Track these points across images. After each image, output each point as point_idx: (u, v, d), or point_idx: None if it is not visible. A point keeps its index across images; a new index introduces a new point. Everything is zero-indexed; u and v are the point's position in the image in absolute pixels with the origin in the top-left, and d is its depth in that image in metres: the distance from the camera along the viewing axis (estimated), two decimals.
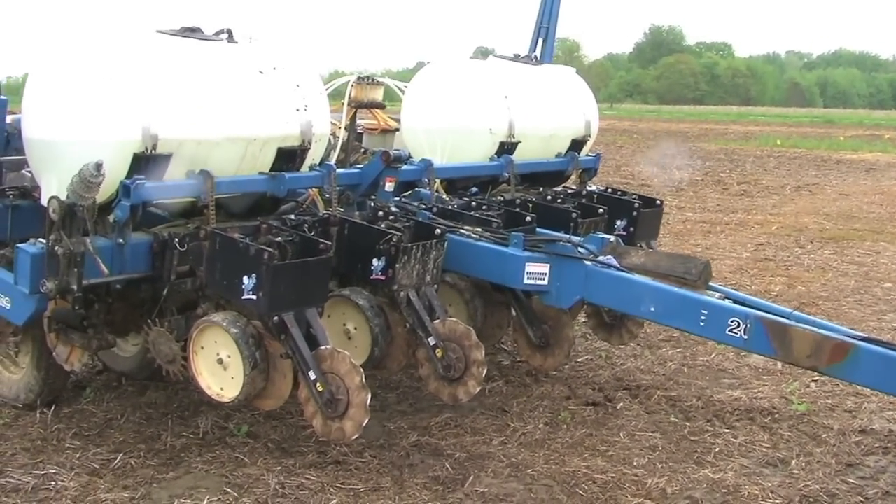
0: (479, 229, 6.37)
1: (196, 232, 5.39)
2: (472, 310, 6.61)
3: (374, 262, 5.76)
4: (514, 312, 6.87)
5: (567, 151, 8.49)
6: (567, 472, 5.92)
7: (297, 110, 5.98)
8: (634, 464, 6.10)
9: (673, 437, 6.58)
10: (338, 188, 6.17)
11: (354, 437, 5.17)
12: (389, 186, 6.47)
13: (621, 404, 7.13)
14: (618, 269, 6.01)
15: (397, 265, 5.72)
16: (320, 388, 5.10)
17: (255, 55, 6.00)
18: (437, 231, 5.98)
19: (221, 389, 5.33)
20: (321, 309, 5.35)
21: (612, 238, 6.42)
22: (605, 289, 6.00)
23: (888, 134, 47.39)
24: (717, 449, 6.39)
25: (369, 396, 5.06)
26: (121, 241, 5.33)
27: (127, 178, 5.26)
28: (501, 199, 7.46)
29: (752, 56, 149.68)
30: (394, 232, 5.73)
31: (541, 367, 6.94)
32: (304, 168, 6.17)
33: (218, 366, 5.28)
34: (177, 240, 5.40)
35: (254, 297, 5.07)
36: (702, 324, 5.72)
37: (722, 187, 23.16)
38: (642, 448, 6.37)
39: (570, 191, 8.27)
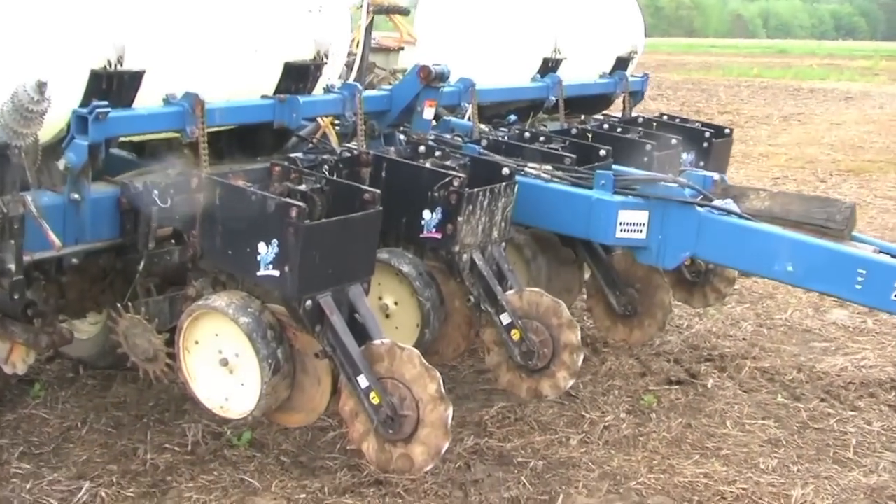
0: (549, 167, 4.83)
1: (184, 181, 3.80)
2: (534, 271, 5.11)
3: (426, 214, 4.22)
4: (589, 273, 5.36)
5: (613, 70, 6.92)
6: (683, 485, 4.52)
7: (310, 12, 4.40)
8: (762, 467, 4.73)
9: (791, 425, 5.24)
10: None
11: (428, 468, 3.66)
12: (429, 112, 4.94)
13: (711, 381, 5.75)
14: (739, 216, 4.52)
15: (459, 218, 4.18)
16: (375, 401, 3.59)
17: None
18: (506, 171, 4.43)
19: (226, 401, 3.82)
20: (368, 285, 3.80)
21: (717, 176, 4.93)
22: (725, 242, 4.55)
23: (847, 63, 46.48)
24: (854, 441, 5.07)
25: (451, 412, 3.54)
26: (76, 196, 3.80)
27: (82, 105, 3.71)
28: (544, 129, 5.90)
29: None
30: (454, 173, 4.18)
31: (625, 342, 5.47)
32: (318, 90, 4.56)
33: (221, 369, 3.78)
34: (156, 192, 3.82)
35: (275, 272, 3.54)
36: (858, 287, 4.33)
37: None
38: (762, 443, 4.99)
39: (617, 119, 6.72)
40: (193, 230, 3.82)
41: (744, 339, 6.54)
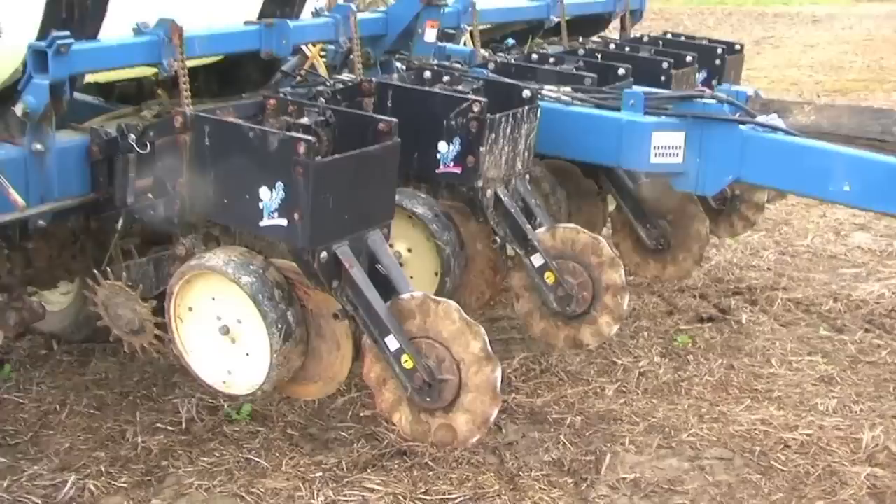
0: (568, 89, 4.29)
1: (167, 121, 3.23)
2: (553, 205, 4.57)
3: (442, 146, 3.68)
4: (613, 205, 4.85)
5: None
6: (741, 434, 4.07)
7: None
8: (821, 409, 4.30)
9: (841, 360, 4.82)
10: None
11: (474, 440, 3.15)
12: (430, 34, 4.39)
13: (744, 316, 5.31)
14: (787, 132, 4.01)
15: (481, 148, 3.64)
16: (408, 364, 3.07)
17: None
18: (527, 93, 3.89)
19: (230, 375, 3.29)
20: (388, 230, 3.27)
21: (752, 90, 4.42)
22: (773, 163, 4.04)
23: None
24: None
25: (499, 373, 3.03)
26: (39, 147, 3.26)
27: (40, 38, 3.15)
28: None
29: None
30: (474, 97, 3.64)
31: (657, 279, 4.97)
32: (306, 14, 4.00)
33: (222, 338, 3.25)
34: (132, 136, 3.25)
35: (282, 221, 3.00)
36: None
37: None
38: (815, 382, 4.57)
39: (623, 40, 6.19)
40: (180, 178, 3.26)
41: (768, 268, 6.09)
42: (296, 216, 3.00)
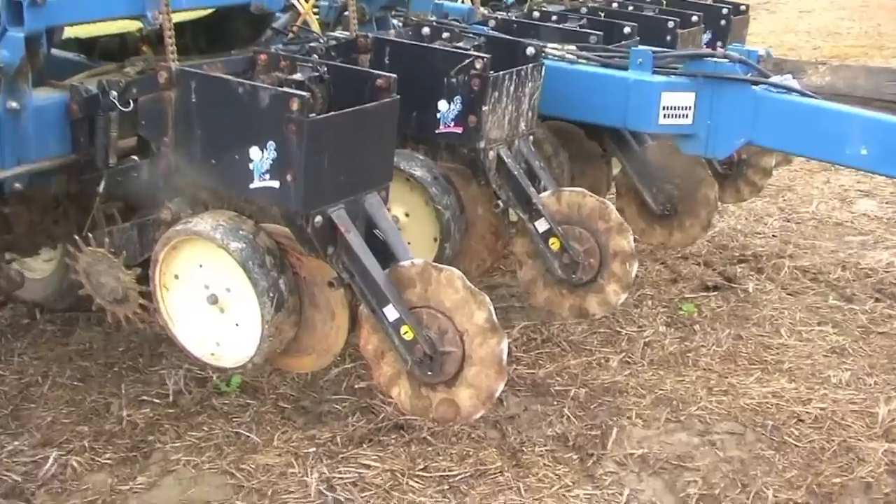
0: (573, 47, 4.10)
1: (151, 77, 3.03)
2: (555, 168, 4.38)
3: (443, 105, 3.49)
4: (618, 168, 4.67)
5: None
6: (752, 408, 3.92)
7: None
8: (834, 381, 4.14)
9: (852, 330, 4.67)
10: None
11: (478, 415, 2.98)
12: None
13: (751, 285, 5.15)
14: (802, 94, 3.82)
15: (484, 107, 3.45)
16: (408, 336, 2.89)
17: None
18: (531, 50, 3.70)
19: (218, 346, 3.11)
20: (387, 192, 3.08)
21: (763, 50, 4.23)
22: (788, 125, 3.86)
23: None
24: None
25: (505, 345, 2.85)
26: (14, 105, 3.05)
27: None
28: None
29: None
30: (476, 54, 3.44)
31: (663, 245, 4.79)
32: None
33: (210, 307, 3.06)
34: (114, 93, 3.05)
35: (274, 183, 2.81)
36: None
37: None
38: (826, 353, 4.41)
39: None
40: (165, 138, 3.06)
41: (773, 235, 5.92)
42: (288, 178, 2.81)
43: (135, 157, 3.28)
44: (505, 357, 2.86)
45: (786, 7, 21.25)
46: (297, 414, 3.87)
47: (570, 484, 3.41)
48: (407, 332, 2.91)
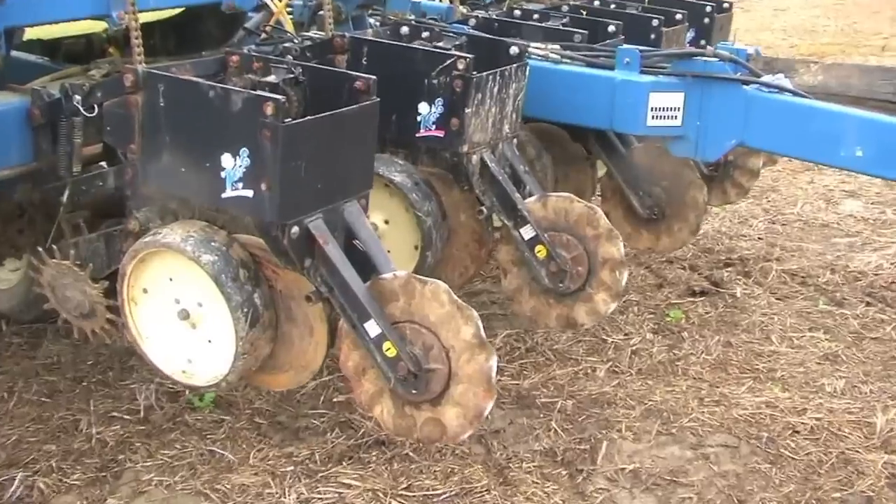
0: (556, 46, 3.96)
1: (117, 80, 2.87)
2: (539, 171, 4.24)
3: (423, 108, 3.35)
4: (603, 171, 4.54)
5: None
6: (745, 419, 3.80)
7: None
8: (829, 390, 4.03)
9: (844, 336, 4.56)
10: None
11: (465, 435, 2.83)
12: None
13: (739, 289, 5.01)
14: (795, 93, 3.71)
15: (467, 110, 3.31)
16: (390, 353, 2.74)
17: None
18: (514, 50, 3.56)
19: (190, 364, 2.96)
20: (366, 201, 2.93)
21: (752, 49, 4.11)
22: (780, 126, 3.75)
23: None
24: None
25: (494, 362, 2.71)
26: None
27: None
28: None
29: None
30: (459, 54, 3.30)
31: (650, 250, 4.67)
32: None
33: (181, 323, 2.91)
34: (78, 98, 2.89)
35: (247, 192, 2.66)
36: None
37: None
38: (819, 359, 4.30)
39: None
40: (131, 144, 2.90)
41: (759, 238, 5.81)
42: (263, 186, 2.66)
43: (103, 165, 3.12)
44: (494, 374, 2.72)
45: (760, 5, 21.24)
46: (273, 430, 3.73)
47: (560, 502, 3.27)
48: (390, 348, 2.76)
